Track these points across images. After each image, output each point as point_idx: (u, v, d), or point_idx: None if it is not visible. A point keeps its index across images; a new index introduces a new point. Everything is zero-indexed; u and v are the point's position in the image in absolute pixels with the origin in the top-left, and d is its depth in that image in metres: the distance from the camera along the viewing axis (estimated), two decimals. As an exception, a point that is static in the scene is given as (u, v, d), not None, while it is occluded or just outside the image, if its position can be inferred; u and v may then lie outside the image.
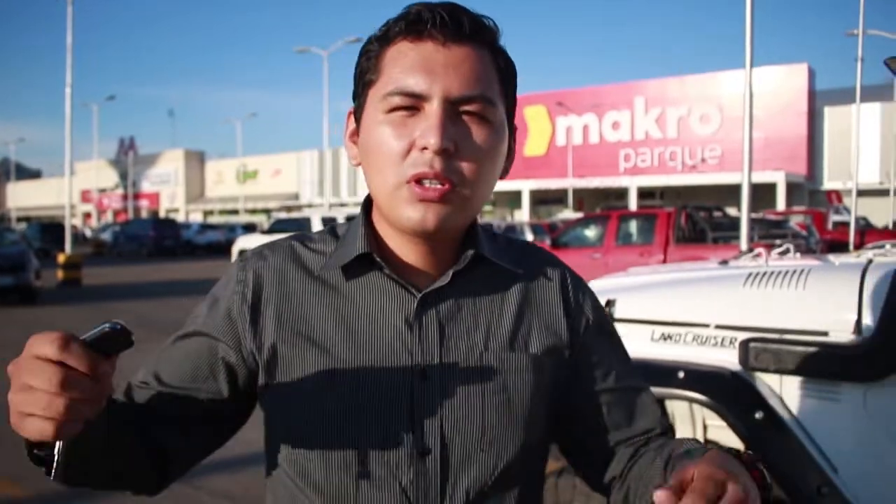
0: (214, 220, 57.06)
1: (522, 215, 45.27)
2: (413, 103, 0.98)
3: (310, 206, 54.86)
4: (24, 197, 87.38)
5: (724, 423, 2.63)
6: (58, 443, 0.84)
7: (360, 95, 1.05)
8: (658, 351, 2.88)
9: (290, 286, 1.07)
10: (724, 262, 3.40)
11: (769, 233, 12.64)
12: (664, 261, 11.69)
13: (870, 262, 2.68)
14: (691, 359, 2.75)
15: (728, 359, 2.67)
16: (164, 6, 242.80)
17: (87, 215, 74.28)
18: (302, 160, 61.76)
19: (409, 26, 0.99)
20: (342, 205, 54.99)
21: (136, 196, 71.06)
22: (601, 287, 3.38)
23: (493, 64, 1.03)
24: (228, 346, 1.06)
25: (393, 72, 0.99)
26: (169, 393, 1.06)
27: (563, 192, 43.68)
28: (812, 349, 2.44)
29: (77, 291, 18.61)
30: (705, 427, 2.91)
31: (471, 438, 1.03)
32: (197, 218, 63.83)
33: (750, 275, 2.78)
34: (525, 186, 45.67)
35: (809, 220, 19.84)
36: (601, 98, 46.52)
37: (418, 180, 0.97)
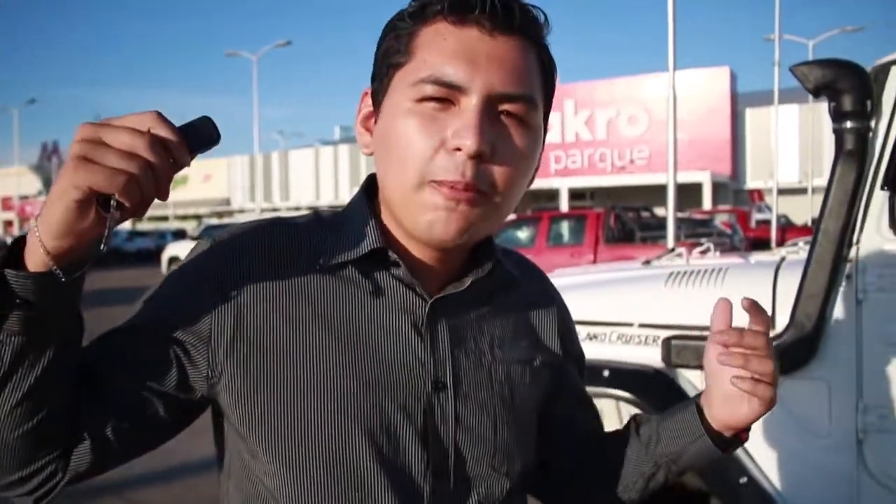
0: (144, 226, 55.82)
1: (456, 218, 45.45)
2: (448, 95, 0.87)
3: (241, 211, 54.04)
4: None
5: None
6: (112, 208, 0.73)
7: (382, 77, 0.93)
8: (585, 350, 2.93)
9: (288, 276, 0.92)
10: (648, 262, 3.49)
11: (695, 232, 12.98)
12: (594, 261, 11.91)
13: (783, 259, 2.79)
14: (617, 358, 2.82)
15: (652, 356, 2.74)
16: (82, 8, 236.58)
17: (8, 224, 71.71)
18: (233, 165, 60.83)
19: (454, 6, 0.88)
20: (274, 209, 54.32)
21: (60, 203, 68.85)
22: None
23: (538, 61, 0.93)
24: (198, 347, 0.90)
25: (429, 56, 0.88)
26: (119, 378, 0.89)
27: (496, 194, 44.00)
28: (730, 345, 2.53)
29: None
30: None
31: (484, 457, 0.97)
32: (125, 225, 62.28)
33: (671, 274, 2.86)
34: (458, 189, 45.86)
35: (734, 218, 20.44)
36: (531, 101, 47.05)
37: (441, 183, 0.87)
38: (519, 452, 1.01)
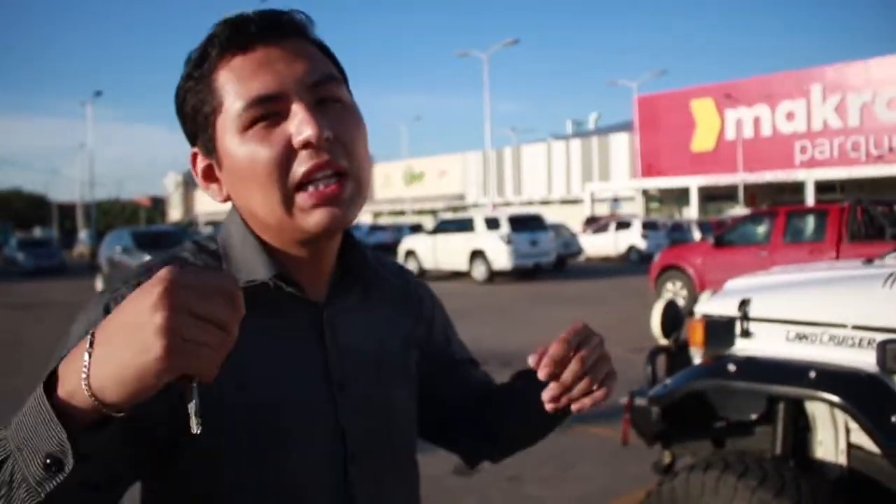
0: (383, 221, 59.03)
1: (690, 212, 43.85)
2: (273, 109, 0.93)
3: (475, 205, 55.61)
4: (211, 203, 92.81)
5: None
6: (195, 388, 0.71)
7: (204, 130, 0.98)
8: (793, 351, 2.85)
9: None
10: (869, 261, 3.28)
11: (958, 228, 11.64)
12: (837, 259, 11.06)
13: None
14: (827, 359, 2.71)
15: (865, 360, 2.61)
16: (333, 16, 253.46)
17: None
18: (467, 161, 62.68)
19: (231, 41, 0.95)
20: (507, 204, 55.37)
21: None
22: (738, 287, 3.36)
23: (319, 49, 1.00)
24: None
25: (235, 88, 0.93)
26: None
27: (734, 188, 41.93)
28: (955, 351, 2.36)
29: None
30: (848, 431, 2.85)
31: (382, 440, 1.08)
32: (366, 220, 66.34)
33: (892, 274, 2.70)
34: (693, 183, 44.18)
35: None
36: (773, 88, 44.23)
37: (310, 180, 0.92)
38: (407, 432, 1.14)
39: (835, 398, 2.55)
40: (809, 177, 39.03)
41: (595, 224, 33.32)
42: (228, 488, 0.94)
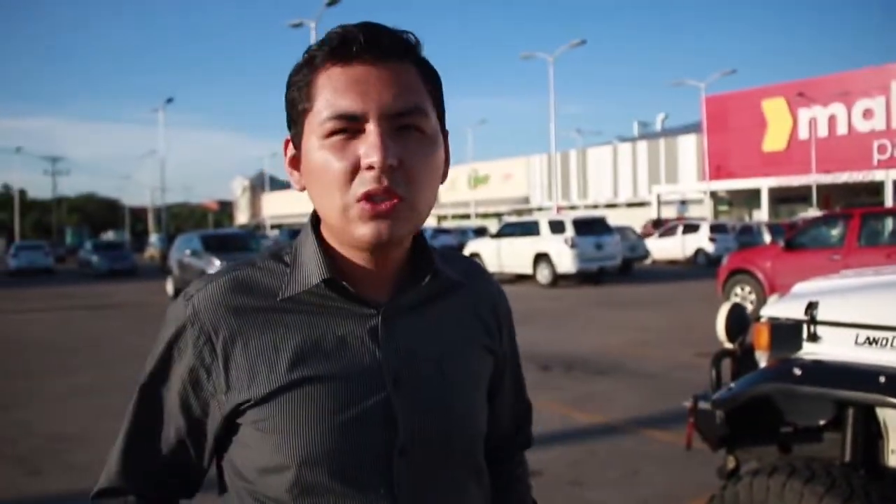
0: (448, 224, 59.24)
1: (761, 215, 42.88)
2: (351, 126, 1.00)
3: (539, 209, 55.42)
4: (277, 206, 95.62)
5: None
6: None
7: (296, 124, 1.07)
8: (862, 355, 2.78)
9: (252, 318, 1.07)
10: (944, 264, 3.18)
11: None
12: (915, 262, 10.67)
13: None
14: (899, 364, 2.63)
15: (939, 365, 2.53)
16: (394, 20, 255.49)
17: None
18: (531, 164, 62.55)
19: (335, 51, 1.02)
20: (572, 207, 55.02)
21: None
22: (806, 290, 3.29)
23: (419, 75, 1.06)
24: (196, 399, 1.09)
25: (326, 97, 1.01)
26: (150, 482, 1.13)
27: (807, 189, 40.85)
28: None
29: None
30: (920, 437, 2.76)
31: (437, 440, 1.10)
32: (431, 223, 66.64)
33: (967, 277, 2.61)
34: (763, 184, 43.26)
35: None
36: (849, 85, 42.95)
37: (368, 197, 1.00)
38: (468, 434, 1.16)
39: (906, 404, 2.48)
40: (889, 177, 37.77)
41: (662, 227, 32.81)
42: (286, 461, 1.04)
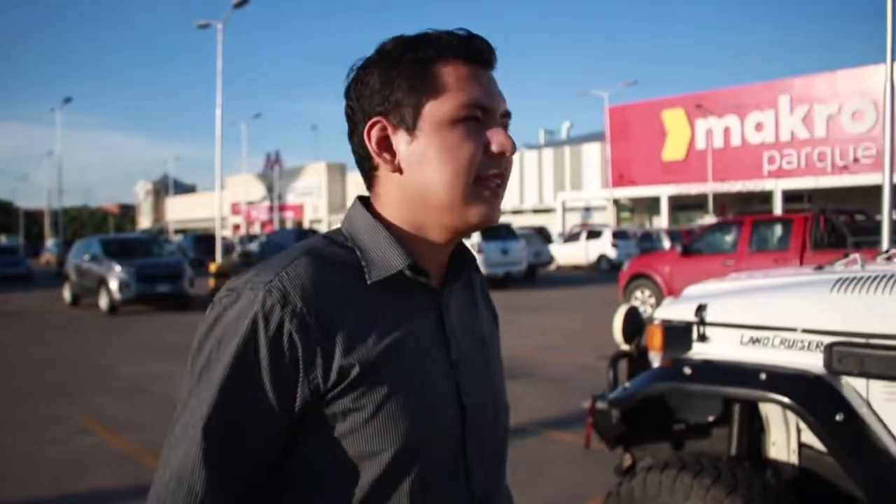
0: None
1: (661, 221, 44.30)
2: (481, 116, 1.11)
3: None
4: (181, 210, 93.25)
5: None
6: None
7: (408, 105, 1.10)
8: (746, 354, 2.96)
9: (353, 299, 1.07)
10: (820, 268, 3.40)
11: (916, 236, 11.90)
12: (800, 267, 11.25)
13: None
14: (779, 362, 2.81)
15: (814, 363, 2.72)
16: (304, 25, 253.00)
17: (236, 227, 78.16)
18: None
19: (457, 49, 1.11)
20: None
21: (282, 208, 74.24)
22: (696, 293, 3.47)
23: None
24: (289, 392, 1.02)
25: (462, 86, 1.10)
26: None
27: (704, 197, 42.44)
28: (896, 353, 2.47)
29: (228, 299, 19.80)
30: (799, 430, 2.95)
31: (489, 420, 1.19)
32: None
33: (839, 280, 2.81)
34: (663, 192, 44.67)
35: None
36: (742, 98, 44.90)
37: (492, 179, 1.11)
38: (505, 414, 1.27)
39: (784, 399, 2.65)
40: (777, 186, 39.64)
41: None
42: (368, 445, 1.04)
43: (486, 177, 1.11)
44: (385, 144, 1.13)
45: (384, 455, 1.04)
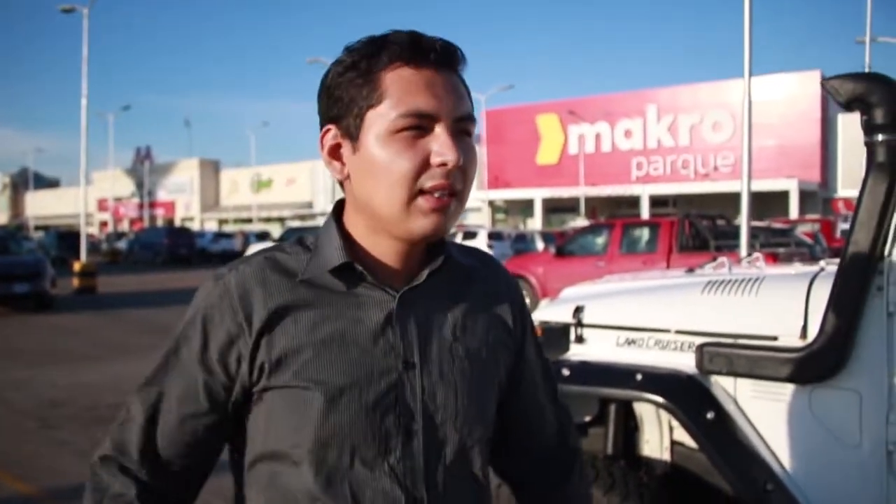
0: (229, 228, 57.45)
1: (535, 223, 45.33)
2: (423, 124, 1.07)
3: (323, 214, 55.08)
4: (43, 206, 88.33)
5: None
6: None
7: (353, 116, 1.10)
8: (622, 355, 3.02)
9: (281, 296, 1.12)
10: (691, 270, 3.53)
11: (771, 241, 12.68)
12: (667, 269, 11.76)
13: (821, 270, 2.81)
14: (653, 363, 2.89)
15: (687, 362, 2.80)
16: (178, 17, 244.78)
17: (103, 224, 74.85)
18: (316, 169, 61.96)
19: (407, 54, 1.08)
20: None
21: (152, 205, 71.72)
22: (573, 294, 3.52)
23: (465, 87, 1.15)
24: (224, 373, 1.12)
25: (400, 95, 1.07)
26: (176, 467, 1.16)
27: (576, 200, 43.75)
28: (762, 353, 2.57)
29: (92, 299, 18.87)
30: (671, 428, 3.04)
31: (448, 420, 1.16)
32: (212, 226, 64.32)
33: (709, 283, 2.91)
34: (537, 195, 45.73)
35: (817, 228, 19.84)
36: (613, 106, 46.60)
37: (432, 192, 1.07)
38: (479, 418, 1.21)
39: (658, 398, 2.72)
40: (644, 191, 41.33)
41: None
42: (302, 435, 1.10)
43: (430, 188, 1.08)
44: (336, 153, 1.15)
45: (301, 450, 1.10)
